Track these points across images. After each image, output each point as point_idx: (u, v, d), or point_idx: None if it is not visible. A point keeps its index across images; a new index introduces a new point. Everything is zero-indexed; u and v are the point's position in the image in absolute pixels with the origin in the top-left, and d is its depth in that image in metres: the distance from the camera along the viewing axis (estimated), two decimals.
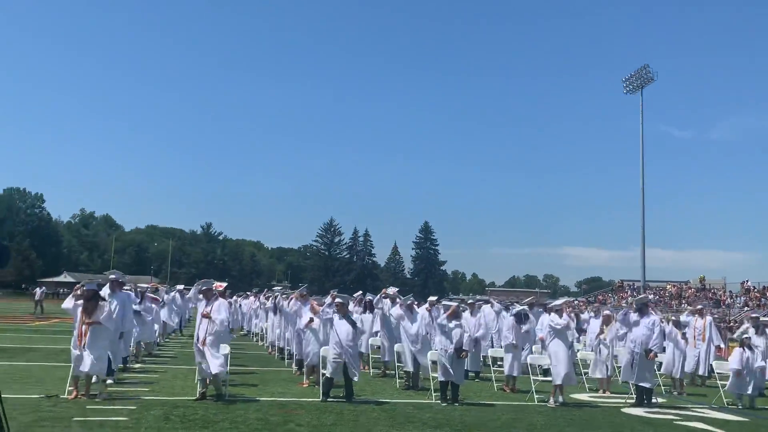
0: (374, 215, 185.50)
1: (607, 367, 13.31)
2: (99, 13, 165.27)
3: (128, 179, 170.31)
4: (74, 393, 9.59)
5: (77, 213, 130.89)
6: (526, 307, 14.41)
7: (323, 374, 10.89)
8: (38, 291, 37.18)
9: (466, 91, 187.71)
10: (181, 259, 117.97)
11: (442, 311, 11.93)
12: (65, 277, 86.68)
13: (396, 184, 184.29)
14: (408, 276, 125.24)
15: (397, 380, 12.95)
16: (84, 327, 9.77)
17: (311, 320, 11.95)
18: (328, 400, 10.49)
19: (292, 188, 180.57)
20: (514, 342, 13.16)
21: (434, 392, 11.37)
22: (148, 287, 17.69)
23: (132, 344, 14.29)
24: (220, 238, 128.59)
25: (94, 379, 10.11)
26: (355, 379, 10.83)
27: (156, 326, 17.27)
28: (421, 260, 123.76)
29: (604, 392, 13.30)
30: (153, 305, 16.98)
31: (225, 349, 10.67)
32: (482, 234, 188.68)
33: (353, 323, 10.74)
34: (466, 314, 14.95)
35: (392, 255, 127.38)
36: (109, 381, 11.30)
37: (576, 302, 34.18)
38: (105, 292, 11.76)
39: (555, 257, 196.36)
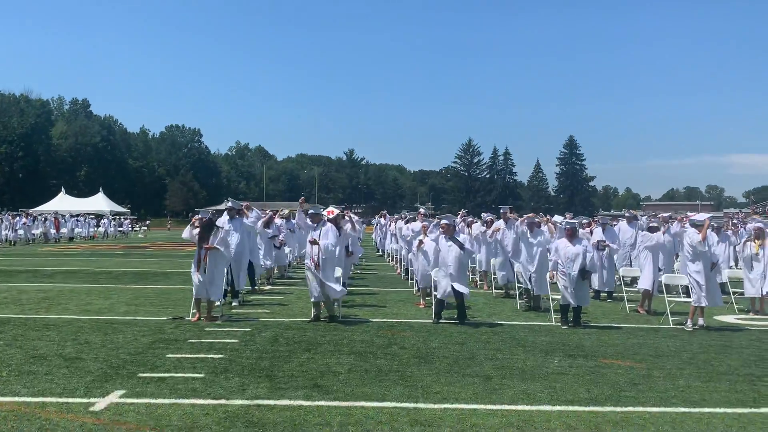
0: (514, 133, 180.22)
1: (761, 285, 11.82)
2: None
3: (278, 111, 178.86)
4: (197, 315, 10.13)
5: (233, 145, 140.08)
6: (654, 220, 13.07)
7: (434, 296, 10.65)
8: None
9: None
10: (328, 185, 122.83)
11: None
12: (226, 205, 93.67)
13: (536, 98, 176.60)
14: (552, 193, 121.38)
15: (518, 301, 12.42)
16: (202, 253, 10.18)
17: (420, 242, 11.65)
18: (440, 321, 10.25)
19: (432, 110, 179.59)
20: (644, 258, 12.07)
21: (554, 314, 10.72)
22: (273, 212, 18.20)
23: (263, 268, 14.92)
24: (363, 163, 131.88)
25: (217, 303, 10.59)
26: (466, 298, 10.45)
27: (288, 250, 17.91)
28: (566, 176, 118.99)
29: (756, 314, 11.89)
30: (284, 230, 17.60)
31: (337, 272, 10.72)
32: (636, 145, 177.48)
33: (461, 245, 10.26)
34: (597, 230, 13.96)
35: (535, 173, 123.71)
36: (234, 303, 11.90)
37: (741, 214, 31.04)
38: (224, 219, 12.24)
39: (720, 166, 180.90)
